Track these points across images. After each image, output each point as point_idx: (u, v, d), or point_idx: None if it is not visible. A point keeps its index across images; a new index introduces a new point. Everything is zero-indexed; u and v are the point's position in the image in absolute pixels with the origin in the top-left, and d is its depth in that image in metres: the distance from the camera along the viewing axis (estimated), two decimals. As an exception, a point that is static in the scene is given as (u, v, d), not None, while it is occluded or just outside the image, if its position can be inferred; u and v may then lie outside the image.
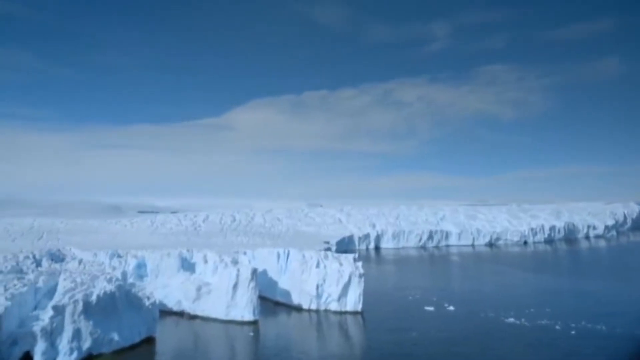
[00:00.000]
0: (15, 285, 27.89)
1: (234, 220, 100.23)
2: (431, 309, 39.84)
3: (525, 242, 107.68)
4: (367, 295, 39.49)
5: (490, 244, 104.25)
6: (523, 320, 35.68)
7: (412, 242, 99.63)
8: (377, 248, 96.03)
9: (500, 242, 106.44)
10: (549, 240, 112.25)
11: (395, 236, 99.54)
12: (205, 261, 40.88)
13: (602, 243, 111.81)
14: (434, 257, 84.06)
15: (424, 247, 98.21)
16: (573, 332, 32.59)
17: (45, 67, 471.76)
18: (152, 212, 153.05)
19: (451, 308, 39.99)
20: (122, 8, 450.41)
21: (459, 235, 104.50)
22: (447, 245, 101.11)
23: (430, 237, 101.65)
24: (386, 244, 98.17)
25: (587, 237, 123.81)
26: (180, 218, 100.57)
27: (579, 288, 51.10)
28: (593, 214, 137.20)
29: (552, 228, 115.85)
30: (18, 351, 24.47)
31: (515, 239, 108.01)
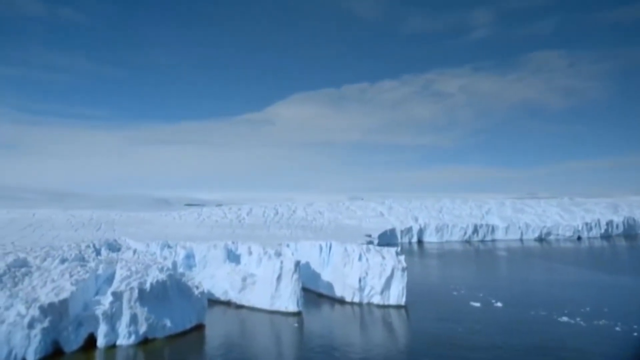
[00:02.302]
0: (79, 272, 30.10)
1: (277, 213, 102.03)
2: (477, 304, 38.74)
3: (579, 238, 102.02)
4: (411, 290, 39.06)
5: (540, 239, 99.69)
6: (578, 319, 33.91)
7: (456, 236, 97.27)
8: (420, 242, 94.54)
9: (551, 237, 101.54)
10: (606, 236, 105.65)
11: (439, 230, 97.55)
12: (250, 253, 42.09)
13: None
14: (479, 252, 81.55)
15: (468, 242, 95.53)
16: (635, 334, 30.58)
17: (97, 68, 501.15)
18: (198, 205, 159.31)
19: (499, 304, 38.71)
20: (166, 9, 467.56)
21: (506, 229, 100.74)
22: (493, 240, 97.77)
23: (475, 231, 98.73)
24: (429, 237, 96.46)
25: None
26: (225, 211, 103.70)
27: (640, 287, 47.74)
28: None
29: (609, 223, 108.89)
30: (84, 332, 26.65)
31: (568, 234, 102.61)
